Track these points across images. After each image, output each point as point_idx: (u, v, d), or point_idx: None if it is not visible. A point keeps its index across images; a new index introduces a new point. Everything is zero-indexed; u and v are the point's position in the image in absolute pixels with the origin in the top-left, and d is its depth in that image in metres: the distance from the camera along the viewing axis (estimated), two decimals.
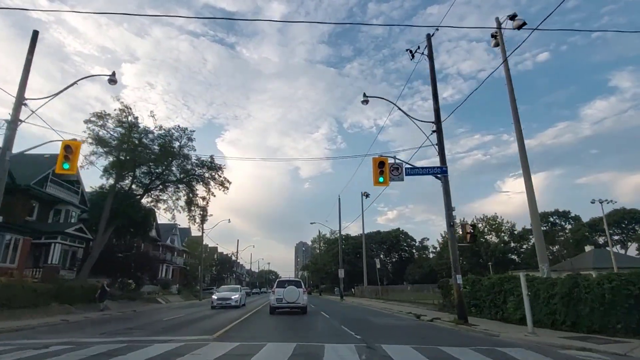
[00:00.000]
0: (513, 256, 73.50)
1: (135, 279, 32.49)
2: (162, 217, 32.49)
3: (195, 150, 29.26)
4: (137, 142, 25.77)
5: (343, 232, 78.85)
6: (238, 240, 68.01)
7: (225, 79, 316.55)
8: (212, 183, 29.67)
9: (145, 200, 29.76)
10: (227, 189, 29.68)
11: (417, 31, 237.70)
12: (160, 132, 26.68)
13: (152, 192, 28.30)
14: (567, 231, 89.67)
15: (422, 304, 22.90)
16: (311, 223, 44.32)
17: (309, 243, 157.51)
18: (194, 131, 28.83)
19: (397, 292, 36.26)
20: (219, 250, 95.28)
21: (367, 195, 43.91)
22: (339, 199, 43.63)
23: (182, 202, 29.73)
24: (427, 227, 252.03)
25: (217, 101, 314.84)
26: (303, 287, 18.18)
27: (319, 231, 67.67)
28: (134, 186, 28.71)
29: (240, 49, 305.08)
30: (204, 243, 72.61)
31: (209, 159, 28.69)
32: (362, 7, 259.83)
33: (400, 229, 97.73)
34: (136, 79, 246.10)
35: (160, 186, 28.55)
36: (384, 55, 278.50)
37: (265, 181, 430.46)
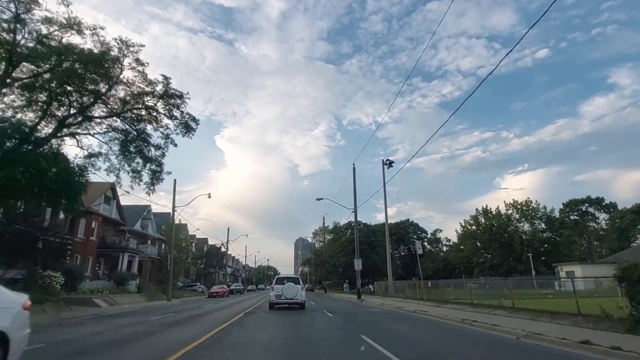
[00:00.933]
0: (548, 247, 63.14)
1: (68, 272, 22.29)
2: (133, 198, 22.06)
3: (145, 75, 18.91)
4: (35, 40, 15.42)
5: (348, 220, 68.93)
6: (229, 229, 57.52)
7: (224, 75, 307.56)
8: (170, 123, 19.38)
9: (74, 154, 19.53)
10: (194, 132, 19.39)
11: (416, 27, 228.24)
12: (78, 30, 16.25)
13: (69, 129, 17.84)
14: (599, 220, 79.92)
15: (537, 312, 12.59)
16: (318, 199, 33.64)
17: (310, 239, 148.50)
18: (143, 46, 18.44)
19: (441, 289, 26.18)
20: (210, 242, 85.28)
21: (391, 164, 33.66)
22: (354, 167, 33.35)
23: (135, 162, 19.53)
24: (427, 223, 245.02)
25: (216, 98, 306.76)
26: (301, 283, 18.57)
27: (323, 217, 57.49)
28: (47, 127, 18.33)
29: (239, 46, 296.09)
30: (189, 234, 62.38)
31: (163, 80, 18.35)
32: (361, 3, 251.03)
33: (410, 220, 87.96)
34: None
35: (86, 122, 18.15)
36: (383, 52, 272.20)
37: (265, 179, 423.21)
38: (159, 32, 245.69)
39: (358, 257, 31.26)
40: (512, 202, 64.73)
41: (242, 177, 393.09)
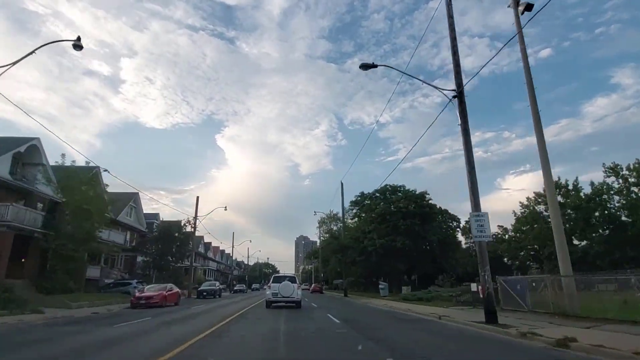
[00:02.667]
0: None
1: None
2: None
3: None
4: None
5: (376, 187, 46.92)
6: (198, 197, 37.39)
7: (224, 73, 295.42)
8: None
9: None
10: None
11: (419, 26, 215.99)
12: None
13: None
14: None
15: None
16: (361, 67, 13.21)
17: (313, 236, 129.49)
18: None
19: None
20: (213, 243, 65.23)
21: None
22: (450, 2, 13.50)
23: None
24: None
25: (217, 96, 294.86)
26: (297, 282, 18.65)
27: (342, 183, 37.34)
28: None
29: (240, 44, 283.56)
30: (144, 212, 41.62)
31: None
32: (363, 1, 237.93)
33: (438, 207, 68.06)
34: (135, 73, 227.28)
35: None
36: (385, 50, 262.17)
37: (265, 178, 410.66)
38: (160, 29, 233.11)
39: (478, 210, 11.43)
40: (612, 166, 44.53)
41: (243, 176, 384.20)
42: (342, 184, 38.06)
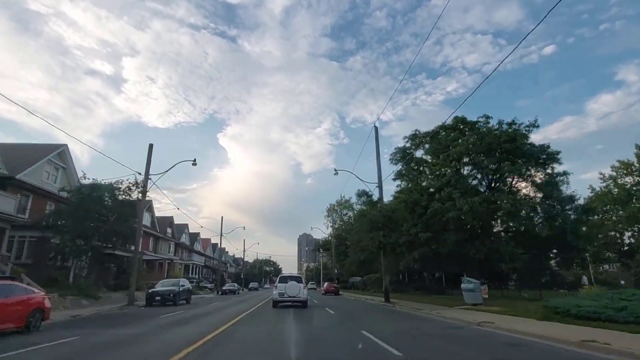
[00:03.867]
0: None
1: None
2: None
3: None
4: None
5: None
6: (151, 145, 23.34)
7: (227, 72, 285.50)
8: None
9: None
10: None
11: (421, 23, 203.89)
12: None
13: None
14: None
15: None
16: None
17: (317, 234, 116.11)
18: None
19: None
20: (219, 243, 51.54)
21: None
22: None
23: None
24: None
25: (219, 95, 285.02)
26: (303, 282, 18.92)
27: (375, 127, 23.40)
28: None
29: (242, 42, 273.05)
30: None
31: None
32: None
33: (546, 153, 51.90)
34: (137, 73, 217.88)
35: None
36: (387, 48, 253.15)
37: (268, 177, 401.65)
38: (162, 28, 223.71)
39: None
40: None
41: (245, 175, 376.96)
42: (376, 127, 24.27)
